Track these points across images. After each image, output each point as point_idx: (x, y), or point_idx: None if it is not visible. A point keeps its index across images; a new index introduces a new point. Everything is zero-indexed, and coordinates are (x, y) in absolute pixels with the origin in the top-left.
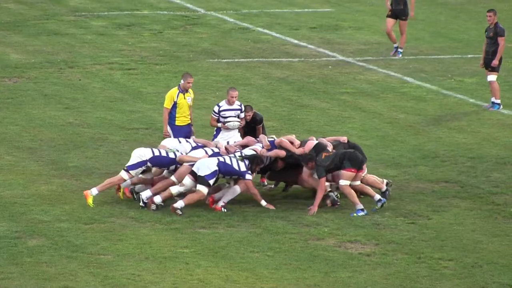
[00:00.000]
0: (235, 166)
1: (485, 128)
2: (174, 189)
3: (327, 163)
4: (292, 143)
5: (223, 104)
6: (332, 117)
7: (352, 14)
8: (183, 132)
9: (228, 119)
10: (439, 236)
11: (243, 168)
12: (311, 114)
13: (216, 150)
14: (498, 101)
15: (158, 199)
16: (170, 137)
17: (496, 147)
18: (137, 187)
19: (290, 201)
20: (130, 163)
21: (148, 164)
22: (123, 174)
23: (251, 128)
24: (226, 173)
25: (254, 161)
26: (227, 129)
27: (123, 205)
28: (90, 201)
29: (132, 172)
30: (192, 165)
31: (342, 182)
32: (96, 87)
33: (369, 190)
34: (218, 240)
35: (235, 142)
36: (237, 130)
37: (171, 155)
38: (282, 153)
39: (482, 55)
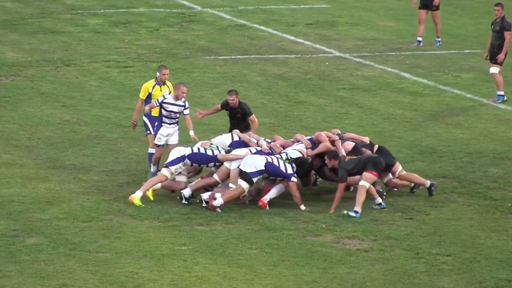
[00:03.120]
0: (282, 167)
1: (482, 123)
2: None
3: (350, 167)
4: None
5: (169, 97)
6: (329, 113)
7: (348, 10)
8: (159, 123)
9: (172, 114)
10: (437, 231)
11: (289, 171)
12: (308, 110)
13: (259, 148)
14: (502, 92)
15: (218, 197)
16: (136, 125)
17: (494, 142)
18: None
19: (287, 198)
20: (169, 160)
21: (186, 160)
22: (164, 171)
23: (237, 119)
24: (271, 174)
25: (301, 165)
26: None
27: (121, 202)
28: (138, 202)
29: (172, 168)
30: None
31: (362, 182)
32: (93, 85)
33: (374, 191)
34: (216, 237)
35: (271, 142)
36: (177, 126)
37: (209, 153)
38: (329, 146)
39: (488, 47)
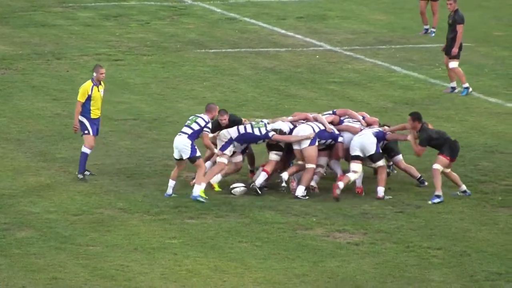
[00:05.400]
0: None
1: (473, 116)
2: (352, 176)
3: (434, 135)
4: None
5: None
6: (320, 106)
7: (339, 3)
8: (97, 124)
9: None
10: (428, 225)
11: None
12: (299, 104)
13: (322, 127)
14: (467, 84)
15: (341, 185)
16: (78, 130)
17: (484, 136)
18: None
19: (278, 191)
20: (219, 146)
21: (235, 143)
22: (221, 159)
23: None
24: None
25: None
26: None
27: (112, 196)
28: (202, 193)
29: (227, 151)
30: (311, 144)
31: (436, 166)
32: (84, 78)
33: (458, 179)
34: (207, 230)
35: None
36: None
37: (257, 132)
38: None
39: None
